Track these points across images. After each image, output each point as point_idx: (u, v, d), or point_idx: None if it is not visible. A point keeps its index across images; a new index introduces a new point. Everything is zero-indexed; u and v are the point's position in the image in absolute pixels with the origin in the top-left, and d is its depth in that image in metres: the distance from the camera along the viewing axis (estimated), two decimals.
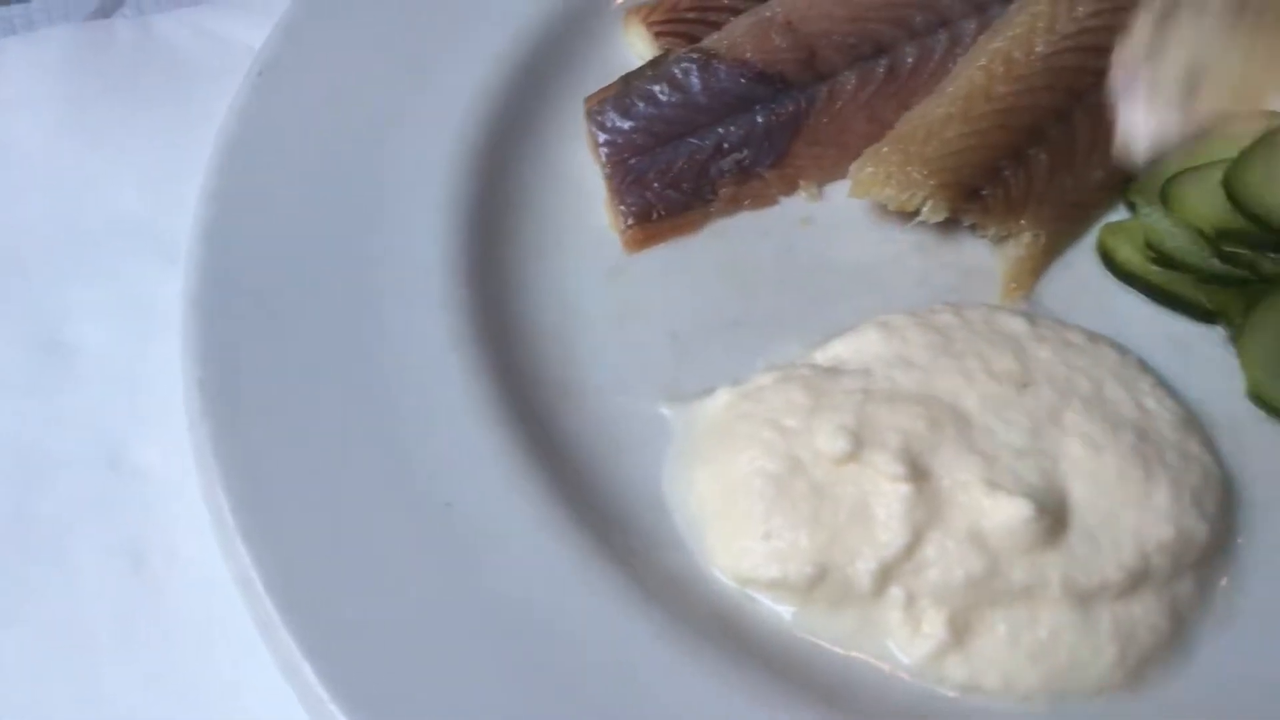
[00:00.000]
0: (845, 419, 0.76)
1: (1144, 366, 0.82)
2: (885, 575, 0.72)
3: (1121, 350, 0.83)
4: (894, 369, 0.80)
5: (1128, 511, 0.74)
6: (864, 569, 0.72)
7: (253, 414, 0.75)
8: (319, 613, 0.67)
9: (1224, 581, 0.76)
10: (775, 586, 0.74)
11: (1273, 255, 0.84)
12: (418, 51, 0.96)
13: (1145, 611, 0.73)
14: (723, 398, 0.81)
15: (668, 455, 0.81)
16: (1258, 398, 0.82)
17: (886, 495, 0.73)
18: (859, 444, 0.75)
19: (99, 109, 1.03)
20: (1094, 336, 0.83)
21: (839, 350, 0.83)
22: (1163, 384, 0.82)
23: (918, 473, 0.74)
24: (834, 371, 0.81)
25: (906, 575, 0.72)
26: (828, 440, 0.75)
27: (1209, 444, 0.80)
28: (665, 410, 0.83)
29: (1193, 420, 0.80)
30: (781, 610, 0.74)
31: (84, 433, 0.83)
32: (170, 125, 1.01)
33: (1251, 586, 0.76)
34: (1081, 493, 0.74)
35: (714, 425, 0.80)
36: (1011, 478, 0.74)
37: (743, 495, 0.75)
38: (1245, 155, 0.86)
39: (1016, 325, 0.83)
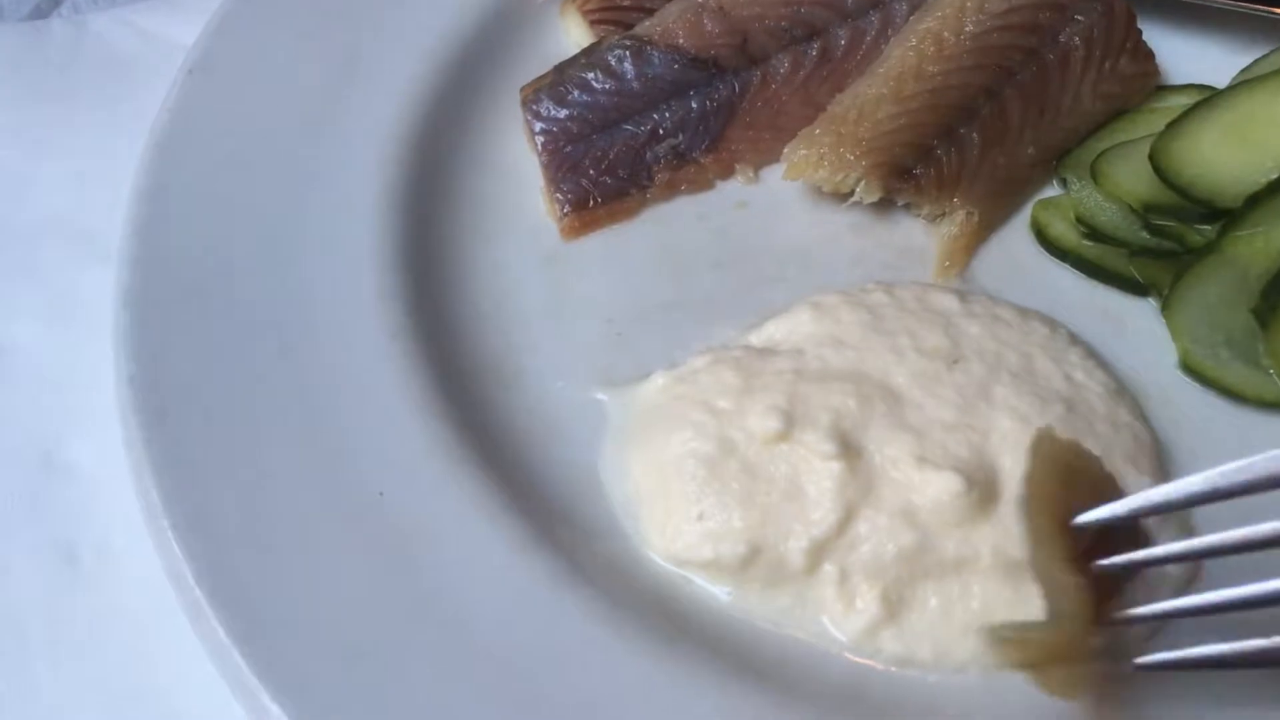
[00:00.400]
0: (776, 399, 0.77)
1: (1074, 339, 0.83)
2: (818, 552, 0.73)
3: (1052, 324, 0.83)
4: (825, 348, 0.80)
5: None
6: (796, 547, 0.73)
7: (184, 408, 0.75)
8: (250, 602, 0.67)
9: None
10: (709, 567, 0.74)
11: (1199, 227, 0.85)
12: (349, 42, 0.96)
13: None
14: (657, 381, 0.82)
15: (604, 440, 0.81)
16: (1188, 367, 0.83)
17: (818, 473, 0.74)
18: (790, 423, 0.75)
19: (32, 108, 1.03)
20: (1024, 312, 0.84)
21: (772, 331, 0.83)
22: (1093, 355, 0.82)
23: (849, 450, 0.74)
24: (767, 352, 0.81)
25: (839, 552, 0.73)
26: (759, 420, 0.76)
27: (1139, 412, 0.81)
28: (601, 395, 0.83)
29: (1123, 390, 0.81)
30: (717, 591, 0.74)
31: (15, 431, 0.83)
32: (104, 124, 1.01)
33: None
34: (1011, 465, 0.74)
35: (648, 409, 0.81)
36: (941, 452, 0.74)
37: (675, 477, 0.76)
38: (1171, 129, 0.87)
39: (948, 302, 0.83)
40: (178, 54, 0.96)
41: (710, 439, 0.76)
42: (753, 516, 0.74)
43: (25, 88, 1.03)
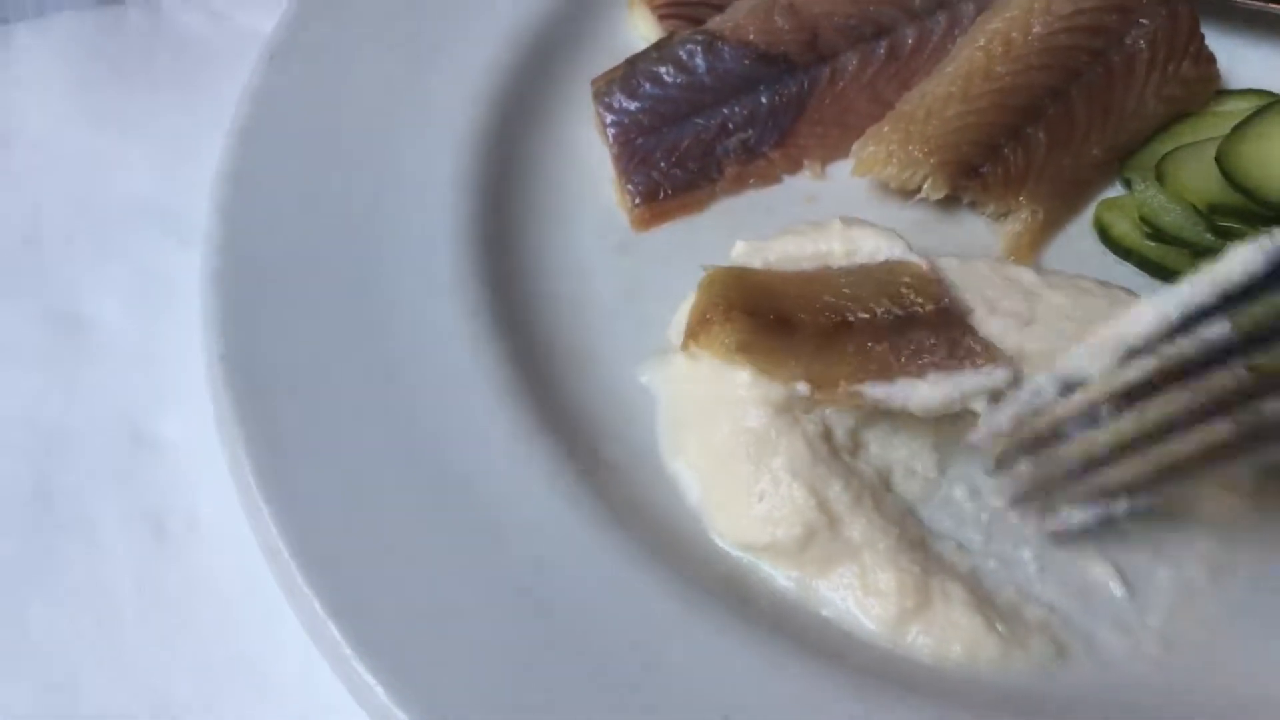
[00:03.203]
0: None
1: None
2: None
3: (1132, 295, 0.84)
4: None
5: None
6: None
7: (273, 387, 0.77)
8: (344, 577, 0.69)
9: None
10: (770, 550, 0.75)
11: (1265, 229, 0.86)
12: (427, 33, 0.98)
13: None
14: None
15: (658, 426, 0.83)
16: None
17: None
18: None
19: (110, 92, 1.05)
20: (1106, 283, 0.84)
21: None
22: None
23: None
24: None
25: None
26: None
27: None
28: (643, 379, 0.84)
29: None
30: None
31: (104, 407, 0.85)
32: (180, 109, 1.03)
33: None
34: None
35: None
36: None
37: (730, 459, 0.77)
38: (1238, 131, 0.88)
39: (1025, 274, 0.84)
40: (249, 37, 1.00)
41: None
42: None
43: (105, 72, 1.05)
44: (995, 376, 0.76)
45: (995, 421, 0.74)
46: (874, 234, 0.83)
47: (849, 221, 0.85)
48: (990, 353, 0.77)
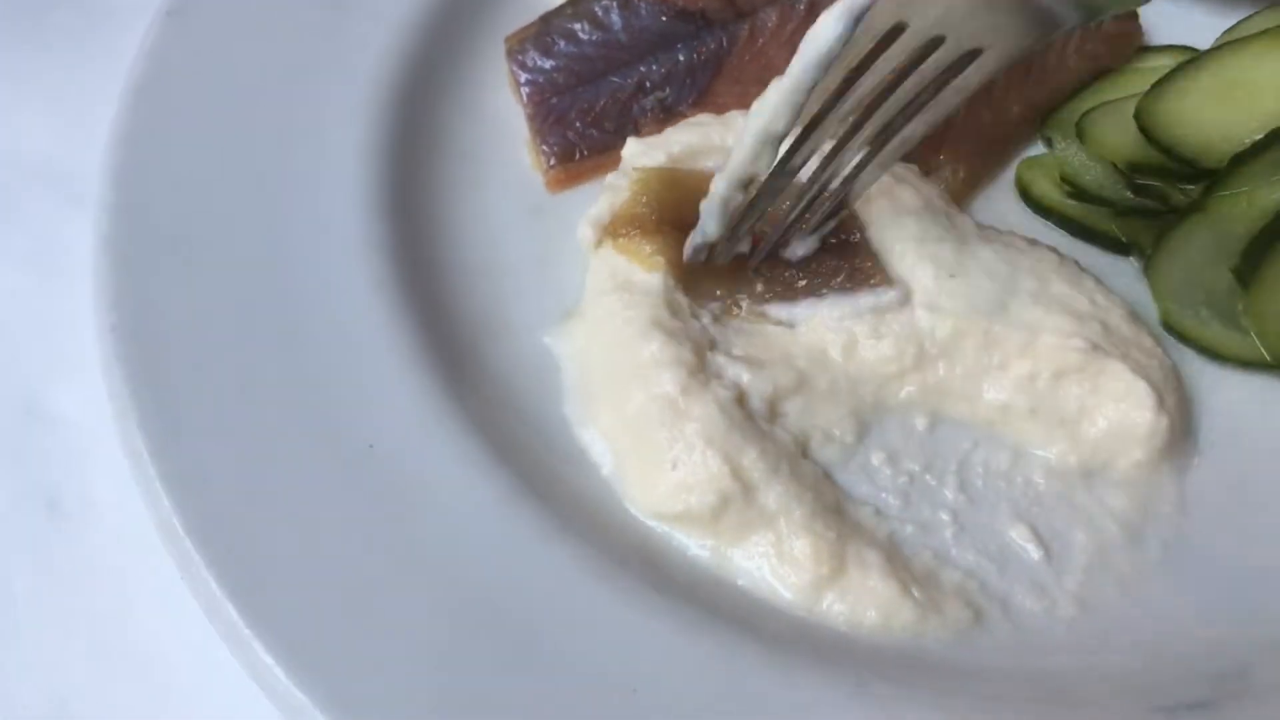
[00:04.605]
0: None
1: (1082, 268, 0.84)
2: None
3: (1060, 253, 0.85)
4: None
5: None
6: None
7: (168, 359, 0.74)
8: (241, 553, 0.67)
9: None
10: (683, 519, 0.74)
11: (1183, 186, 0.86)
12: None
13: None
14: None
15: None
16: (1169, 326, 0.84)
17: None
18: None
19: (3, 45, 1.00)
20: (1033, 240, 0.85)
21: None
22: (1102, 284, 0.84)
23: None
24: None
25: None
26: None
27: (1157, 339, 0.82)
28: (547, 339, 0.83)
29: (1138, 315, 0.83)
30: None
31: None
32: (76, 65, 0.99)
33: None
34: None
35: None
36: None
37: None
38: (1157, 88, 0.87)
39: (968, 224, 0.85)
40: None
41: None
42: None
43: None
44: (887, 297, 0.78)
45: (702, 232, 0.78)
46: None
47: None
48: (882, 275, 0.79)
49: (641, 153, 0.85)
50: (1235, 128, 0.83)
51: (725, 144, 0.85)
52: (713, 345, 0.78)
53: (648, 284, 0.79)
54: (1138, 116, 0.86)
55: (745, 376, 0.77)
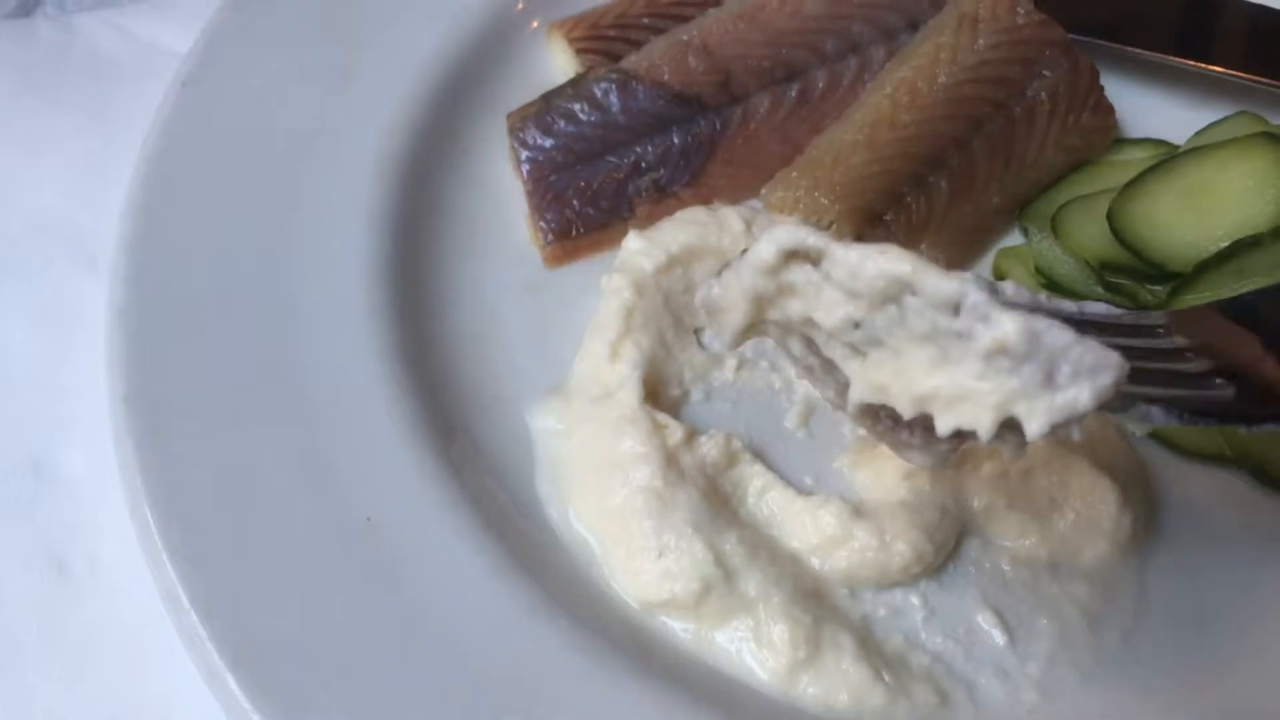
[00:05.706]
0: None
1: None
2: None
3: None
4: None
5: None
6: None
7: (177, 429, 0.77)
8: (243, 625, 0.70)
9: None
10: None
11: (1151, 287, 0.89)
12: (342, 59, 0.98)
13: None
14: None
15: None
16: None
17: None
18: None
19: (17, 107, 1.03)
20: None
21: None
22: None
23: None
24: None
25: None
26: None
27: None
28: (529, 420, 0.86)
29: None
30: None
31: (6, 438, 0.85)
32: (90, 127, 1.02)
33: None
34: None
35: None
36: None
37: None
38: (1127, 190, 0.91)
39: None
40: (163, 58, 0.99)
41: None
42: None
43: (9, 86, 1.03)
44: None
45: None
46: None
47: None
48: None
49: (642, 251, 0.88)
50: (1200, 234, 0.87)
51: (722, 245, 0.88)
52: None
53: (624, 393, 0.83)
54: (1109, 217, 0.90)
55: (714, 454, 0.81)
